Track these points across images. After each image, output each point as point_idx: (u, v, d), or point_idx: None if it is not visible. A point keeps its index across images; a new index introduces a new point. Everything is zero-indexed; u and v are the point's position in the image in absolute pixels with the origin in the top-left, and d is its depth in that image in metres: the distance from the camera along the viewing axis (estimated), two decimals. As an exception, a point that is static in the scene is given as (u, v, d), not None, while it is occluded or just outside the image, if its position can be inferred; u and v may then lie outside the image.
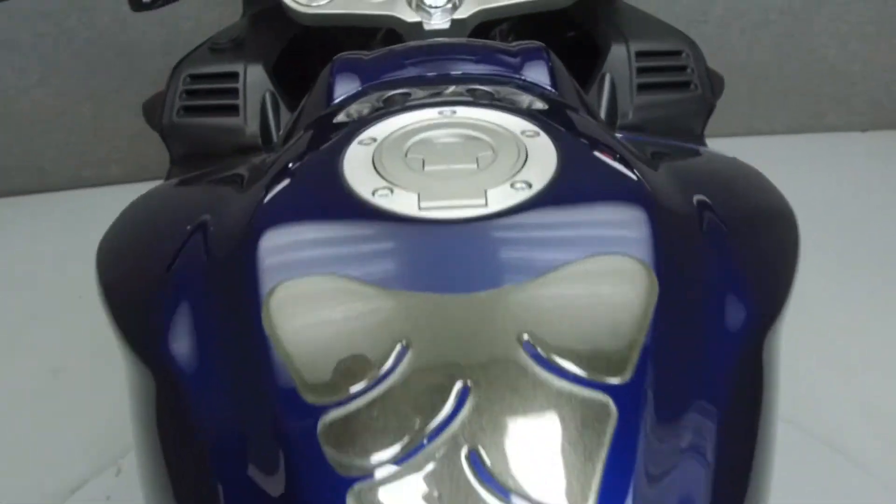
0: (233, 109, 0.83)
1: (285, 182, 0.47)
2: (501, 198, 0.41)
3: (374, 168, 0.45)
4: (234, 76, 0.85)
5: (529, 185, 0.42)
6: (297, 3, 0.78)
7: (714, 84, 0.87)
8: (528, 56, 0.62)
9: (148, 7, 0.65)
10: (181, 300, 0.43)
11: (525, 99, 0.54)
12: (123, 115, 1.85)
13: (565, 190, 0.42)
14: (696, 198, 0.47)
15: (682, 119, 0.83)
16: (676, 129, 0.83)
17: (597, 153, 0.47)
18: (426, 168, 0.44)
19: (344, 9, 0.78)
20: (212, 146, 0.85)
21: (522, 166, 0.44)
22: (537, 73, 0.61)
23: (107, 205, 0.66)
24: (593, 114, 0.64)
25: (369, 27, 0.89)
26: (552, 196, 0.41)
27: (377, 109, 0.53)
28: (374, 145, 0.47)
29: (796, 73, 2.04)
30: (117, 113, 1.87)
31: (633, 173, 0.45)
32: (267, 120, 0.83)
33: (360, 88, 0.60)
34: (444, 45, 0.66)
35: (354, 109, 0.57)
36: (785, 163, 1.86)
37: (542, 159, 0.44)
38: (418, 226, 0.40)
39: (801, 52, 2.01)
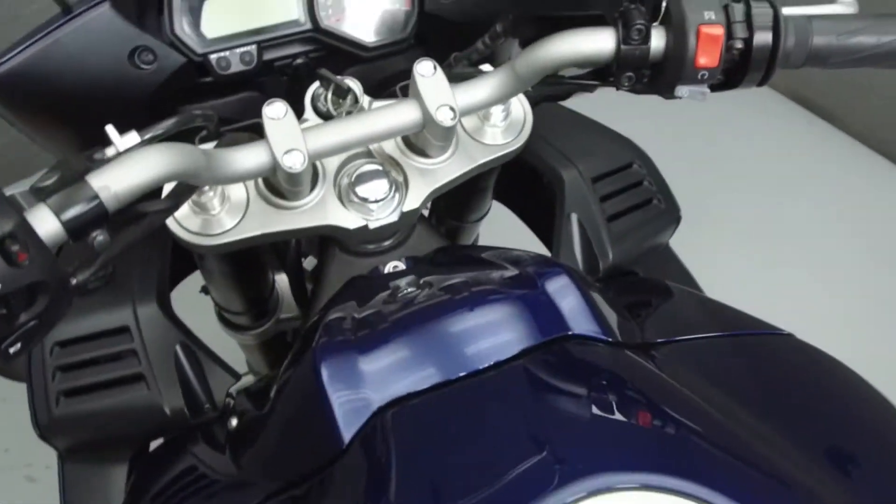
0: (136, 379, 0.63)
1: None
2: None
3: None
4: (123, 332, 0.64)
5: None
6: (191, 233, 0.59)
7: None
8: (553, 287, 0.50)
9: (14, 357, 0.45)
10: None
11: (601, 383, 0.43)
12: None
13: None
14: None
15: (654, 238, 0.76)
16: (650, 251, 0.76)
17: None
18: None
19: (260, 229, 0.60)
20: (119, 431, 0.64)
21: None
22: (579, 315, 0.49)
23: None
24: (646, 337, 0.53)
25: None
26: None
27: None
28: None
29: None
30: None
31: None
32: (190, 386, 0.64)
33: (372, 413, 0.45)
34: (447, 306, 0.50)
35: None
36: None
37: None
38: None
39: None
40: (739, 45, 0.51)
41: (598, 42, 0.53)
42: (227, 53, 0.68)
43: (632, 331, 0.54)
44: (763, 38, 0.50)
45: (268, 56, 0.69)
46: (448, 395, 0.44)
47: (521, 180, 0.80)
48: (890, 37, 0.50)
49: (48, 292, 0.43)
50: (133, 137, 0.53)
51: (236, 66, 0.68)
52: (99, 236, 0.45)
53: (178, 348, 0.64)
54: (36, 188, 0.46)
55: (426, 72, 0.57)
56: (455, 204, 0.84)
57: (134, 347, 0.63)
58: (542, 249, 0.88)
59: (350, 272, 0.64)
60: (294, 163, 0.53)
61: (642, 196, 0.75)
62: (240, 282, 0.79)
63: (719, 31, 0.49)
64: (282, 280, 0.92)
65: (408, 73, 0.79)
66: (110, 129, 0.52)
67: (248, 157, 0.54)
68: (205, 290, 0.87)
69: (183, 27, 0.66)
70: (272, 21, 0.69)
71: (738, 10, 0.51)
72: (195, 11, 0.67)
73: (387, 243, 0.65)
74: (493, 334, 0.48)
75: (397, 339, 0.48)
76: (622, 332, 0.52)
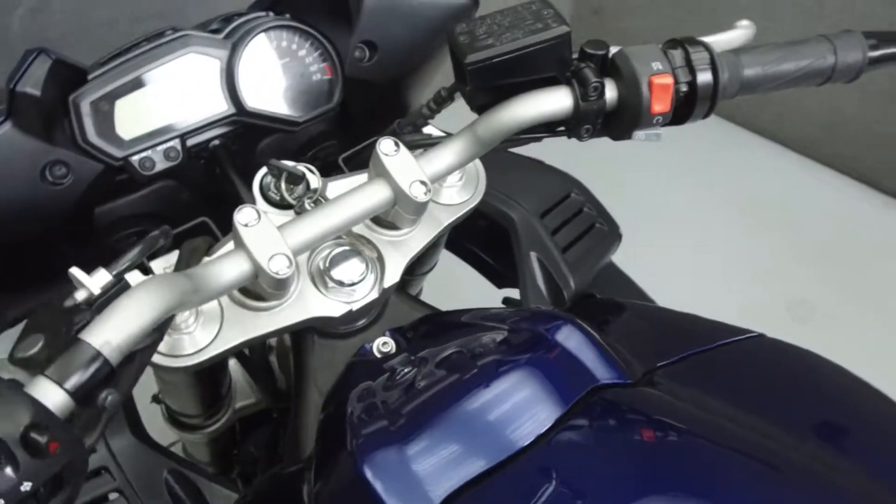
0: None
1: None
2: None
3: None
4: (101, 473, 0.59)
5: None
6: (165, 356, 0.55)
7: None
8: (563, 337, 0.51)
9: None
10: None
11: (648, 430, 0.45)
12: None
13: None
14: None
15: (603, 258, 0.80)
16: (600, 271, 0.80)
17: None
18: None
19: (241, 337, 0.57)
20: None
21: None
22: (598, 364, 0.50)
23: None
24: (645, 364, 0.56)
25: None
26: None
27: None
28: None
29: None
30: None
31: None
32: None
33: None
34: (477, 382, 0.49)
35: None
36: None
37: None
38: None
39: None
40: (685, 87, 0.55)
41: (556, 102, 0.55)
42: (150, 153, 0.64)
43: (630, 361, 0.57)
44: (704, 77, 0.54)
45: (189, 144, 0.66)
46: (507, 478, 0.44)
47: (464, 225, 0.82)
48: (807, 60, 0.56)
49: (74, 472, 0.39)
50: (103, 276, 0.49)
51: (161, 164, 0.64)
52: (109, 395, 0.42)
53: (167, 475, 0.60)
54: (23, 359, 0.42)
55: (389, 150, 0.56)
56: None
57: (118, 486, 0.58)
58: (485, 285, 0.90)
59: (333, 355, 0.63)
60: (280, 267, 0.51)
61: (586, 223, 0.79)
62: (199, 386, 0.74)
63: (669, 80, 0.53)
64: (232, 364, 0.88)
65: (327, 135, 0.78)
66: (77, 272, 0.48)
67: (230, 269, 0.51)
68: (156, 398, 0.82)
69: (95, 133, 0.61)
70: (194, 111, 0.65)
71: (677, 56, 0.55)
72: (106, 114, 0.62)
73: (363, 320, 0.64)
74: (531, 405, 0.48)
75: (438, 427, 0.47)
76: (626, 366, 0.54)
